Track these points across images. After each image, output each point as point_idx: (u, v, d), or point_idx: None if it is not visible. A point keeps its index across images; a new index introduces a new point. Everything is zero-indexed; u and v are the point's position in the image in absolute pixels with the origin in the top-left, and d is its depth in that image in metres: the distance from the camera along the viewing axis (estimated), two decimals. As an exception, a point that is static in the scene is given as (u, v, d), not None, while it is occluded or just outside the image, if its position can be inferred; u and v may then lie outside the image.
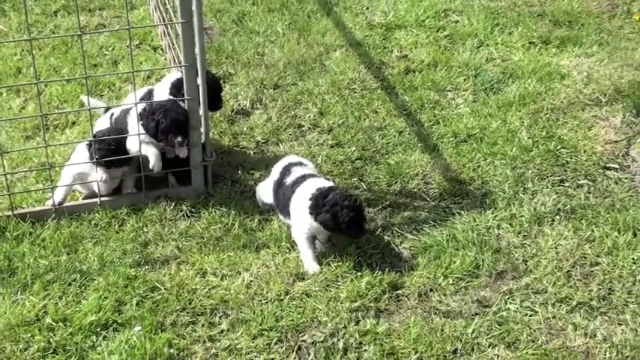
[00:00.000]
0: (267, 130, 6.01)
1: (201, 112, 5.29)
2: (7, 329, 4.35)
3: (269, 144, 5.89)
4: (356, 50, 7.03)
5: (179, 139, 5.16)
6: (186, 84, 5.18)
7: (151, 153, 5.24)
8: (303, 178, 4.98)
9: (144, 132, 5.17)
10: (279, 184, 5.08)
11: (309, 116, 6.16)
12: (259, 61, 6.88)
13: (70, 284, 4.66)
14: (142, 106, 5.23)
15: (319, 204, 4.72)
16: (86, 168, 5.23)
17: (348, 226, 4.69)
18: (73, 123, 6.11)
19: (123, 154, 5.21)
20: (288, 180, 5.02)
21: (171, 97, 5.33)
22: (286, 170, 5.11)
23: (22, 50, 7.06)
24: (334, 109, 6.22)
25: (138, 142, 5.18)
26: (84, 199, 5.37)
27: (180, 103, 5.23)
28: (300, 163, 5.18)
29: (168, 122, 5.12)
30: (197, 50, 5.09)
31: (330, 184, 4.96)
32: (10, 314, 4.43)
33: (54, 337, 4.32)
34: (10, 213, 5.09)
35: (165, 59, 6.84)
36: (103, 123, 5.61)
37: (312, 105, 6.28)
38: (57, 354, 4.25)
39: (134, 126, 5.21)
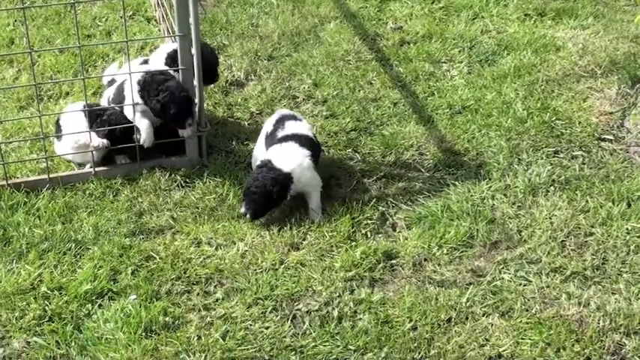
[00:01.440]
0: (262, 101, 5.99)
1: (195, 82, 5.27)
2: (2, 297, 4.36)
3: (263, 115, 5.87)
4: (350, 22, 7.00)
5: (189, 121, 5.17)
6: (181, 54, 5.16)
7: (144, 126, 5.21)
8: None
9: (141, 102, 5.15)
10: (271, 136, 5.12)
11: (304, 87, 6.14)
12: (253, 32, 6.85)
13: (65, 253, 4.66)
14: (139, 75, 5.20)
15: None
16: (86, 137, 5.21)
17: None
18: (67, 93, 6.08)
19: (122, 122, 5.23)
20: (280, 134, 5.07)
21: (166, 68, 5.31)
22: (279, 123, 5.16)
23: (15, 21, 7.00)
24: (329, 80, 6.21)
25: (132, 112, 5.17)
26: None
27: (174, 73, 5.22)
28: (294, 117, 5.24)
29: (177, 108, 5.12)
30: (191, 20, 5.06)
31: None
32: (5, 282, 4.44)
33: (49, 306, 4.33)
34: (4, 182, 5.07)
35: (159, 30, 6.80)
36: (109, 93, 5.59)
37: (307, 76, 6.26)
38: (52, 322, 4.26)
39: (129, 95, 5.19)
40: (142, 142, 5.22)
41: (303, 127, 5.13)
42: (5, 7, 7.14)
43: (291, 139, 5.00)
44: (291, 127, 5.10)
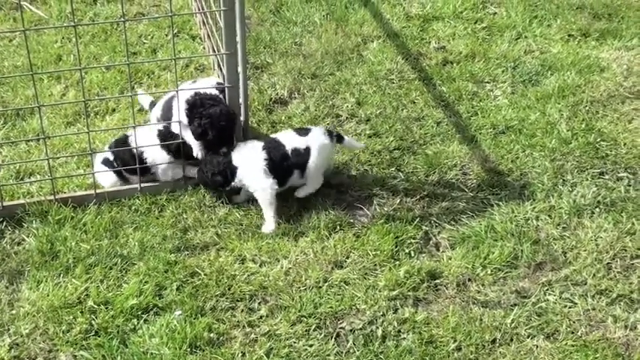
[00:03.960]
0: (305, 119, 6.02)
1: (241, 100, 5.32)
2: (50, 311, 4.42)
3: (307, 133, 5.90)
4: (393, 41, 7.03)
5: (224, 149, 5.22)
6: (227, 72, 5.22)
7: (195, 142, 5.26)
8: None
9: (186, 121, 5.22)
10: None
11: (347, 106, 6.17)
12: (297, 50, 6.90)
13: (111, 268, 4.71)
14: (189, 94, 5.26)
15: None
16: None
17: None
18: (113, 110, 6.16)
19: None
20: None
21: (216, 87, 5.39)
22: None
23: (63, 38, 7.12)
24: (372, 99, 6.23)
25: (180, 129, 5.23)
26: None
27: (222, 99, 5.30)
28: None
29: (215, 134, 5.16)
30: (238, 38, 5.12)
31: None
32: (52, 296, 4.50)
33: (96, 320, 4.38)
34: (52, 197, 5.15)
35: (204, 48, 6.87)
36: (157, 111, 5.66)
37: (350, 95, 6.29)
38: (99, 336, 4.31)
39: (177, 113, 5.25)
40: (195, 154, 5.26)
41: None
42: (54, 25, 7.25)
43: None
44: None
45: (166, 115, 5.44)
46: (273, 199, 5.07)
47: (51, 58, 6.82)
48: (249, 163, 5.09)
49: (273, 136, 5.30)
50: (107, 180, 5.33)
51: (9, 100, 6.30)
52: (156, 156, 5.28)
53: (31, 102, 6.17)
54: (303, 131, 5.26)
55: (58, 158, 5.60)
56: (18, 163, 5.54)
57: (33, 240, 4.90)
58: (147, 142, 5.26)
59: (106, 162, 5.35)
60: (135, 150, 5.22)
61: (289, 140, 5.18)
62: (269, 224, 5.04)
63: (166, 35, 7.13)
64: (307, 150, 5.14)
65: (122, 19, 5.37)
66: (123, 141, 5.37)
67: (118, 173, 5.35)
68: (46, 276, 4.64)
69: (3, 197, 5.13)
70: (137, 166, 5.22)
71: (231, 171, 5.09)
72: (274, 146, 5.14)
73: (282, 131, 5.43)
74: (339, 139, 5.31)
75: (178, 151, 5.24)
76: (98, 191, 5.21)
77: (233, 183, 5.11)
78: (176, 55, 6.67)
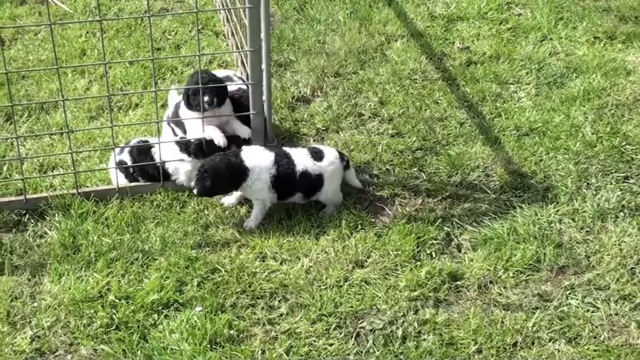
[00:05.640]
0: (328, 117, 6.01)
1: (264, 97, 5.31)
2: (71, 304, 4.43)
3: (329, 131, 5.89)
4: (417, 41, 7.00)
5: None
6: (251, 69, 5.22)
7: (217, 135, 5.24)
8: None
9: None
10: None
11: (370, 105, 6.15)
12: (320, 49, 6.88)
13: (132, 263, 4.72)
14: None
15: None
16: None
17: None
18: (136, 105, 6.18)
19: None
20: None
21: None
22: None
23: (87, 32, 7.15)
24: (395, 98, 6.21)
25: (200, 127, 5.23)
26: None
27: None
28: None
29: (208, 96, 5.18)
30: (262, 35, 5.11)
31: None
32: (74, 290, 4.51)
33: (116, 314, 4.39)
34: (75, 191, 5.17)
35: (227, 45, 6.88)
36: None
37: (373, 94, 6.27)
38: (119, 330, 4.32)
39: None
40: (217, 142, 5.23)
41: None
42: (79, 19, 7.28)
43: None
44: None
45: (175, 114, 5.44)
46: (267, 208, 5.07)
47: (75, 53, 6.85)
48: (259, 172, 4.99)
49: (286, 150, 5.16)
50: (120, 181, 5.31)
51: (33, 93, 6.33)
52: (177, 165, 5.27)
53: (55, 96, 6.20)
54: (316, 154, 5.11)
55: (81, 152, 5.61)
56: (42, 156, 5.57)
57: (55, 233, 4.92)
58: (169, 155, 5.26)
59: (120, 163, 5.33)
60: (157, 163, 5.25)
61: (301, 161, 5.07)
62: (252, 223, 5.04)
63: (190, 31, 7.14)
64: (319, 177, 5.06)
65: (147, 15, 5.38)
66: (144, 151, 5.33)
67: (132, 177, 5.35)
68: (67, 269, 4.65)
69: (26, 190, 5.15)
70: (161, 180, 5.27)
71: (244, 172, 4.98)
72: (284, 163, 5.03)
73: (296, 148, 5.26)
74: (346, 166, 5.20)
75: (199, 150, 5.20)
76: (120, 186, 5.22)
77: (244, 183, 5.00)
78: (200, 51, 6.69)
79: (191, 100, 5.22)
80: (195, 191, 4.97)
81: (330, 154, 5.13)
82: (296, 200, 5.14)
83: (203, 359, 4.14)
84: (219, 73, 5.74)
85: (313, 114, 6.07)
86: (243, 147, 5.13)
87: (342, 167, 5.15)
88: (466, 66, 6.66)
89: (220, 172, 4.91)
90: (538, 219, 5.06)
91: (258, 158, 5.01)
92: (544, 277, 4.67)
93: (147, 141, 5.36)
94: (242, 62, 6.06)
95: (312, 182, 5.05)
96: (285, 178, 5.01)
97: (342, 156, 5.18)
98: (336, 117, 6.02)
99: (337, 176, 5.14)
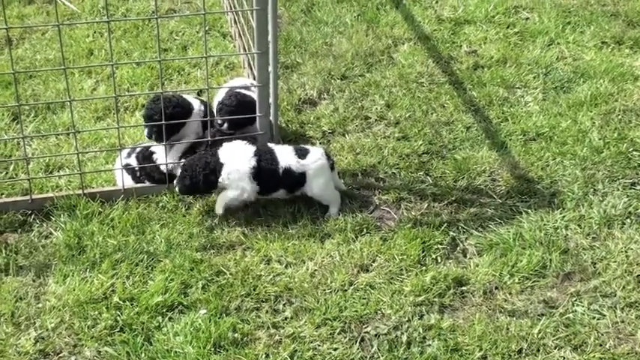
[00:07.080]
0: (334, 120, 6.00)
1: (270, 99, 5.31)
2: (75, 305, 4.42)
3: (335, 134, 5.88)
4: (424, 44, 6.99)
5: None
6: (258, 71, 5.21)
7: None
8: None
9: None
10: None
11: (376, 108, 6.14)
12: (327, 51, 6.88)
13: (137, 264, 4.71)
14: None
15: None
16: None
17: None
18: (143, 106, 6.15)
19: None
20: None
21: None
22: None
23: (95, 32, 7.15)
24: (401, 102, 6.19)
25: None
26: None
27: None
28: None
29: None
30: (270, 37, 5.11)
31: None
32: (79, 291, 4.50)
33: (121, 316, 4.38)
34: (80, 192, 5.16)
35: (234, 46, 6.87)
36: None
37: (379, 97, 6.26)
38: (123, 332, 4.31)
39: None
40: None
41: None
42: (86, 20, 7.28)
43: None
44: None
45: None
46: (244, 199, 5.05)
47: (82, 53, 6.86)
48: (236, 164, 5.00)
49: (271, 146, 5.16)
50: (125, 182, 5.29)
51: (40, 93, 6.33)
52: None
53: (62, 96, 6.20)
54: (301, 152, 5.10)
55: (87, 153, 5.61)
56: (48, 156, 5.57)
57: (60, 234, 4.92)
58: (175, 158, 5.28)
59: (126, 166, 5.33)
60: (164, 165, 5.26)
61: (284, 158, 5.05)
62: (219, 209, 5.06)
63: (197, 32, 7.14)
64: (302, 175, 5.05)
65: (154, 16, 5.38)
66: (148, 157, 5.33)
67: (139, 180, 5.34)
68: (72, 270, 4.65)
69: (32, 190, 5.15)
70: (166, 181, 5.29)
71: (219, 168, 5.00)
72: (267, 158, 5.03)
73: (281, 145, 5.26)
74: (331, 167, 5.17)
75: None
76: (126, 187, 5.22)
77: (220, 180, 5.01)
78: (207, 52, 6.68)
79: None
80: (176, 189, 5.06)
81: (315, 151, 5.14)
82: (280, 196, 5.13)
83: (207, 362, 4.14)
84: (237, 81, 5.76)
85: (319, 116, 6.06)
86: (224, 143, 5.14)
87: (328, 164, 5.12)
88: (473, 70, 6.65)
89: (196, 169, 4.98)
90: (544, 225, 5.05)
91: (234, 152, 5.03)
92: (550, 284, 4.66)
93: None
94: (249, 64, 6.05)
95: (295, 179, 5.05)
96: (267, 170, 5.00)
97: (328, 156, 5.17)
98: (342, 120, 6.01)
99: (323, 171, 5.09)
